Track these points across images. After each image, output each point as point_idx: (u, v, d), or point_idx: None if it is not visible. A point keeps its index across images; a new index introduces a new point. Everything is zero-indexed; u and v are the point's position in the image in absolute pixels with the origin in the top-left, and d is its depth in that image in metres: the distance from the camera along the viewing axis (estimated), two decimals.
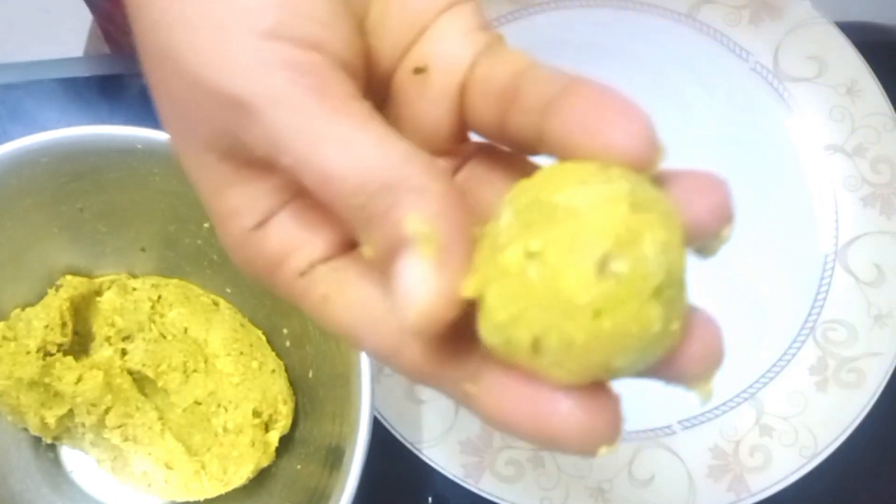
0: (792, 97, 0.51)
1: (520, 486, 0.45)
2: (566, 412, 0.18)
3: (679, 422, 0.47)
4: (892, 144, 0.49)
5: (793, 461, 0.46)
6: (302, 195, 0.21)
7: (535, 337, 0.17)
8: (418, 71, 0.22)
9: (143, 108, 0.52)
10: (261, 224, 0.21)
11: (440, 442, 0.46)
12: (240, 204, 0.21)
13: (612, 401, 0.19)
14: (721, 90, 0.51)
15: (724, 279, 0.49)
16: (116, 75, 0.53)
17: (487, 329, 0.18)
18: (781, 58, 0.51)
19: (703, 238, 0.19)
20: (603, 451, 0.18)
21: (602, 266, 0.16)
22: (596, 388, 0.18)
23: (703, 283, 0.48)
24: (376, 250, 0.19)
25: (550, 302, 0.17)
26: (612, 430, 0.18)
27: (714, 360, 0.19)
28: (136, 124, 0.51)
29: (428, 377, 0.20)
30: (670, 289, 0.17)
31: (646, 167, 0.18)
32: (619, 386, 0.49)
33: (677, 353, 0.18)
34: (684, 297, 0.18)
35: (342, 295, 0.20)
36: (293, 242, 0.21)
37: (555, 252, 0.17)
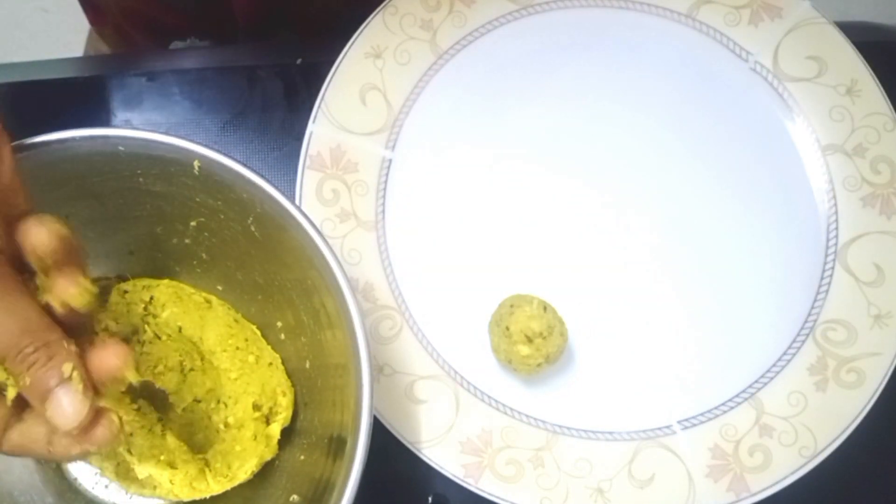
0: (792, 97, 0.51)
1: (520, 486, 0.46)
2: None
3: (679, 422, 0.47)
4: (892, 144, 0.49)
5: (793, 461, 0.46)
6: None
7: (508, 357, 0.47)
8: None
9: (143, 108, 0.53)
10: None
11: (440, 442, 0.46)
12: None
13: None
14: (721, 90, 0.51)
15: (724, 279, 0.49)
16: (116, 75, 0.53)
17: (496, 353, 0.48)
18: (781, 58, 0.51)
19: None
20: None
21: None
22: None
23: (704, 283, 0.49)
24: (34, 386, 0.30)
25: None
26: None
27: None
28: (137, 124, 0.51)
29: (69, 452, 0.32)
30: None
31: None
32: (621, 387, 0.50)
33: None
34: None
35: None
36: None
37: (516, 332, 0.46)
